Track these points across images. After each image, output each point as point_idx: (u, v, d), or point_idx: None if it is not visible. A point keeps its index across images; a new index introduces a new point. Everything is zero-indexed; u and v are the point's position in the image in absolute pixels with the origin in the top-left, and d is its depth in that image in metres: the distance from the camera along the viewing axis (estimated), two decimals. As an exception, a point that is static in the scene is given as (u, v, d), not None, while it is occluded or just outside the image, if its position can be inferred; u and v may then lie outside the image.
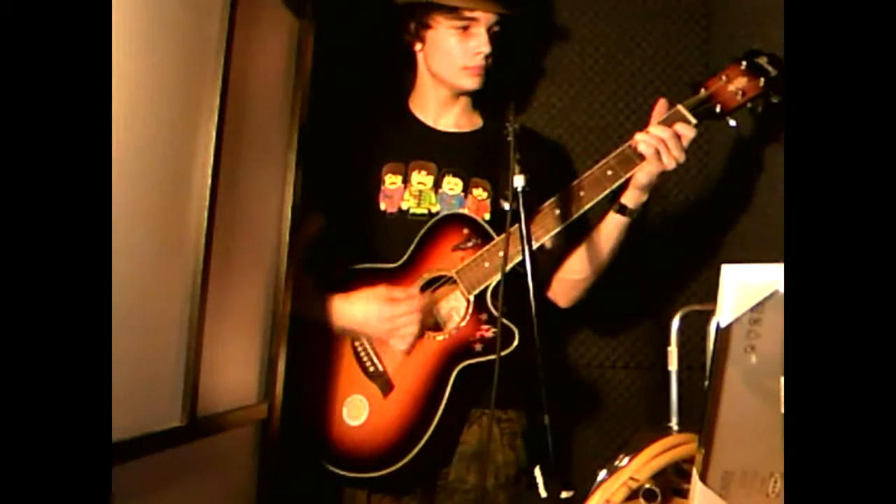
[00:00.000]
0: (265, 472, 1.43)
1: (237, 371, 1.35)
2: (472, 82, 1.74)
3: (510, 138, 1.47)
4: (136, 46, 0.97)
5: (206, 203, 1.12)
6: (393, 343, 1.62)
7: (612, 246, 1.69)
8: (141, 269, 1.01)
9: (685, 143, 1.57)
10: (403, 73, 1.86)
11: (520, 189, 1.42)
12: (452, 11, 1.68)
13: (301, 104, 1.51)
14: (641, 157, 1.58)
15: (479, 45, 1.69)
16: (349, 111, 1.82)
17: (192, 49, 1.12)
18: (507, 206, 1.45)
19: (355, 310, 1.64)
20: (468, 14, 1.68)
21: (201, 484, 1.23)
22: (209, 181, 1.13)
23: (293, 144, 1.50)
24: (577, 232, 1.72)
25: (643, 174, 1.59)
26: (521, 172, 1.43)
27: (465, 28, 1.69)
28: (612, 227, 1.67)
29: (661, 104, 1.61)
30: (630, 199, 1.63)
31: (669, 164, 1.56)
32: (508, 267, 1.53)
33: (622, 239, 1.68)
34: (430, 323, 1.66)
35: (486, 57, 1.70)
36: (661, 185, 1.66)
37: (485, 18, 1.69)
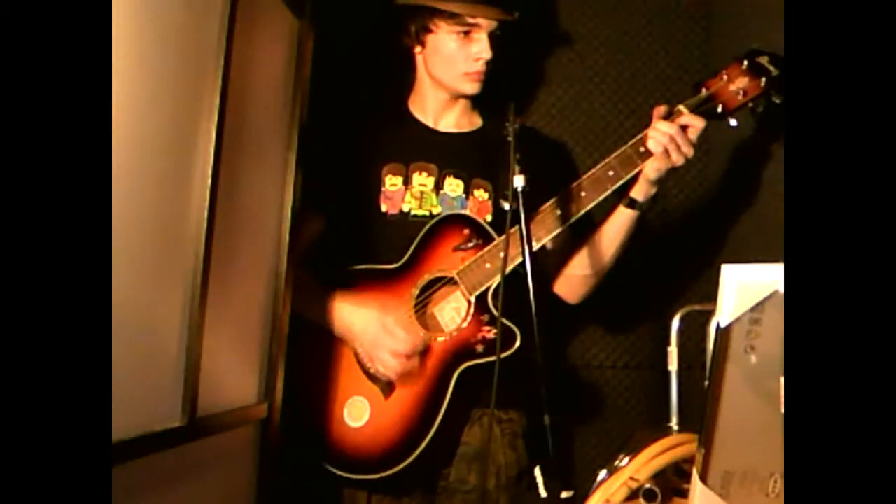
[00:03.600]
0: (265, 472, 1.43)
1: (237, 371, 1.35)
2: (471, 88, 1.73)
3: (510, 138, 1.46)
4: (136, 46, 0.97)
5: (206, 203, 1.12)
6: (376, 364, 1.62)
7: (621, 240, 1.68)
8: (141, 269, 1.01)
9: (694, 135, 1.57)
10: (403, 74, 1.86)
11: (520, 189, 1.41)
12: (454, 16, 1.66)
13: (301, 104, 1.51)
14: (644, 157, 1.58)
15: (480, 50, 1.68)
16: (349, 112, 1.82)
17: (192, 49, 1.12)
18: (506, 206, 1.44)
19: (355, 321, 1.64)
20: (470, 20, 1.67)
21: (201, 484, 1.23)
22: (209, 181, 1.13)
23: (293, 144, 1.50)
24: (582, 229, 1.72)
25: (651, 169, 1.58)
26: (521, 172, 1.42)
27: (467, 33, 1.68)
28: (621, 222, 1.66)
29: (659, 110, 1.61)
30: (640, 192, 1.63)
31: (678, 160, 1.56)
32: (509, 268, 1.53)
33: (631, 233, 1.67)
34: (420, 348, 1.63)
35: (487, 62, 1.69)
36: (660, 186, 1.65)
37: (486, 23, 1.67)
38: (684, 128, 1.56)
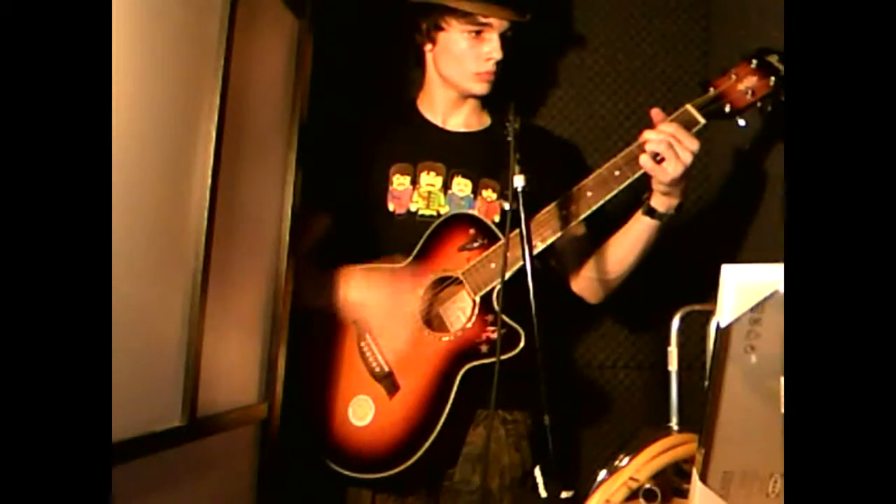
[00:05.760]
0: (265, 472, 1.43)
1: (237, 371, 1.35)
2: (481, 88, 1.73)
3: (510, 138, 1.46)
4: (136, 46, 0.97)
5: (206, 203, 1.12)
6: (385, 336, 1.63)
7: (641, 247, 1.65)
8: (141, 269, 1.01)
9: (668, 148, 1.50)
10: (412, 73, 1.86)
11: (520, 189, 1.41)
12: (466, 16, 1.66)
13: (301, 104, 1.51)
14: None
15: (491, 50, 1.67)
16: (358, 111, 1.82)
17: (192, 49, 1.12)
18: (507, 206, 1.44)
19: (365, 290, 1.65)
20: (482, 19, 1.66)
21: (201, 484, 1.23)
22: (209, 181, 1.13)
23: (293, 144, 1.50)
24: (601, 231, 1.71)
25: (656, 182, 1.55)
26: (521, 172, 1.42)
27: (478, 33, 1.67)
28: (641, 230, 1.63)
29: (655, 113, 1.59)
30: (659, 203, 1.59)
31: (674, 170, 1.51)
32: (513, 269, 1.52)
33: (652, 241, 1.64)
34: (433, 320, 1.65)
35: (497, 63, 1.69)
36: (683, 195, 1.60)
37: (498, 24, 1.67)
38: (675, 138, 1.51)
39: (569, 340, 2.06)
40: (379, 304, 1.65)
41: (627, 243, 1.67)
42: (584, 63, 2.09)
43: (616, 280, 1.74)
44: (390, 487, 1.64)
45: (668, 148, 1.51)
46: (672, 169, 1.51)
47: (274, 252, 1.46)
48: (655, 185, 1.56)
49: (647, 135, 1.53)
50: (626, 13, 2.10)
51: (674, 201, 1.58)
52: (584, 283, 1.78)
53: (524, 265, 1.38)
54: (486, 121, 1.84)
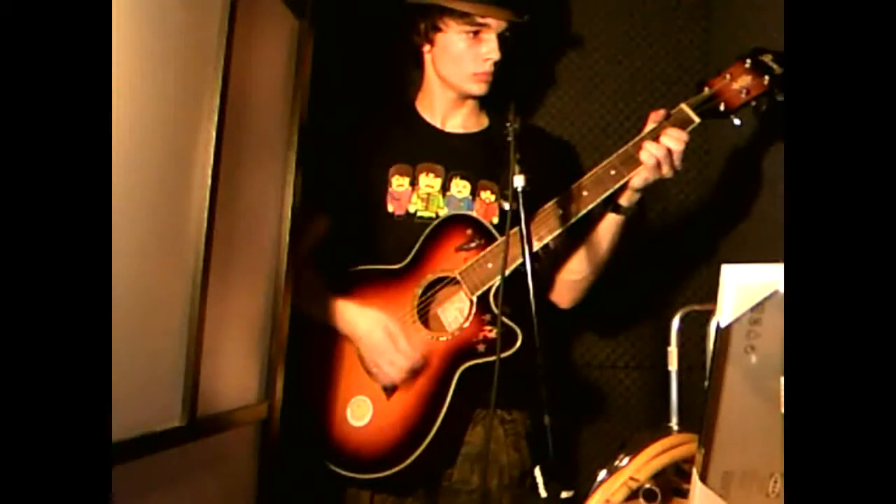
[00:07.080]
0: (265, 472, 1.43)
1: (237, 371, 1.35)
2: (479, 88, 1.73)
3: (510, 138, 1.46)
4: (137, 46, 0.97)
5: (206, 203, 1.12)
6: (374, 371, 1.63)
7: (608, 245, 1.70)
8: (141, 269, 1.01)
9: (679, 152, 1.57)
10: (411, 74, 1.86)
11: (519, 189, 1.41)
12: (464, 16, 1.67)
13: (301, 104, 1.51)
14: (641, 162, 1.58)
15: (489, 51, 1.68)
16: (357, 112, 1.82)
17: (192, 49, 1.12)
18: (507, 206, 1.44)
19: (359, 322, 1.64)
20: (480, 20, 1.67)
21: (201, 484, 1.23)
22: (209, 181, 1.13)
23: (293, 144, 1.50)
24: (578, 232, 1.72)
25: (639, 179, 1.59)
26: (521, 172, 1.42)
27: (476, 33, 1.68)
28: (608, 226, 1.68)
29: (654, 115, 1.61)
30: (625, 198, 1.64)
31: (668, 174, 1.58)
32: (511, 268, 1.53)
33: (619, 237, 1.69)
34: (419, 365, 1.63)
35: (495, 63, 1.70)
36: (661, 186, 1.66)
37: (496, 25, 1.68)
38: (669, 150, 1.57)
39: (569, 340, 2.06)
40: (377, 307, 1.65)
41: (596, 242, 1.70)
42: (584, 63, 2.09)
43: (584, 281, 1.76)
44: (389, 487, 1.64)
45: (666, 156, 1.56)
46: (666, 171, 1.57)
47: (274, 252, 1.46)
48: (636, 182, 1.60)
49: (648, 146, 1.57)
50: (626, 13, 2.10)
51: (637, 196, 1.64)
52: (558, 286, 1.80)
53: (522, 264, 1.39)
54: (485, 122, 1.84)
